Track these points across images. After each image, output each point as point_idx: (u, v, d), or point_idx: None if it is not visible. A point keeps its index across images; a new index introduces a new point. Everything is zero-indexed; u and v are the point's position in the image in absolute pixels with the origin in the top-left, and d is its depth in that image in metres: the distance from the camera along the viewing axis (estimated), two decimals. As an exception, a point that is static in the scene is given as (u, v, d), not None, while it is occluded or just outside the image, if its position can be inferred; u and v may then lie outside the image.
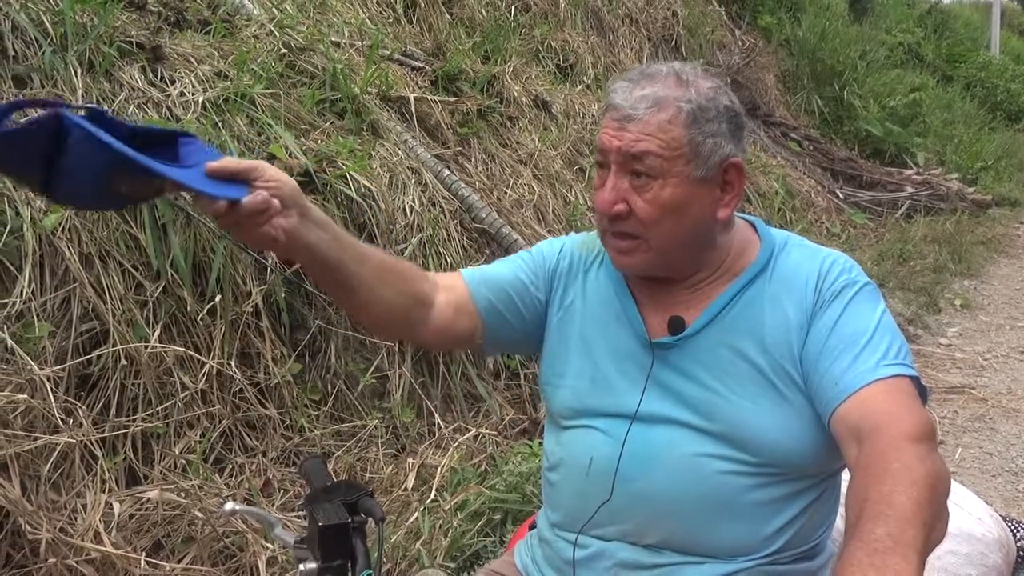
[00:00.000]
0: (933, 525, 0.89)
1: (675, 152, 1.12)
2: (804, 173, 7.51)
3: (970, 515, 1.43)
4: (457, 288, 1.28)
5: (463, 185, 3.65)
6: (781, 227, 5.59)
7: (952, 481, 1.46)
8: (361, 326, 1.79)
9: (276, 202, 1.02)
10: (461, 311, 1.27)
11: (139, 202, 0.99)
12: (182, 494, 2.23)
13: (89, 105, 0.96)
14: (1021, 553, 1.51)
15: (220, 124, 2.84)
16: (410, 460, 2.74)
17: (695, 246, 1.19)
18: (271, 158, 2.87)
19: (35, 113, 0.93)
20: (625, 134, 1.13)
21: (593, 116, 5.17)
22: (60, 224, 2.30)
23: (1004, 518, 1.54)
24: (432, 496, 2.56)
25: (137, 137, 0.95)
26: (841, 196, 7.71)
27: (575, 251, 1.33)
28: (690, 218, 1.15)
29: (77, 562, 1.99)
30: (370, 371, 2.86)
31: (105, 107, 0.97)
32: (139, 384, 2.36)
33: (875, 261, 6.25)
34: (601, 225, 1.19)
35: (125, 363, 2.32)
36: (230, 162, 1.01)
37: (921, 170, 8.47)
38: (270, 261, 2.72)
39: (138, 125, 1.00)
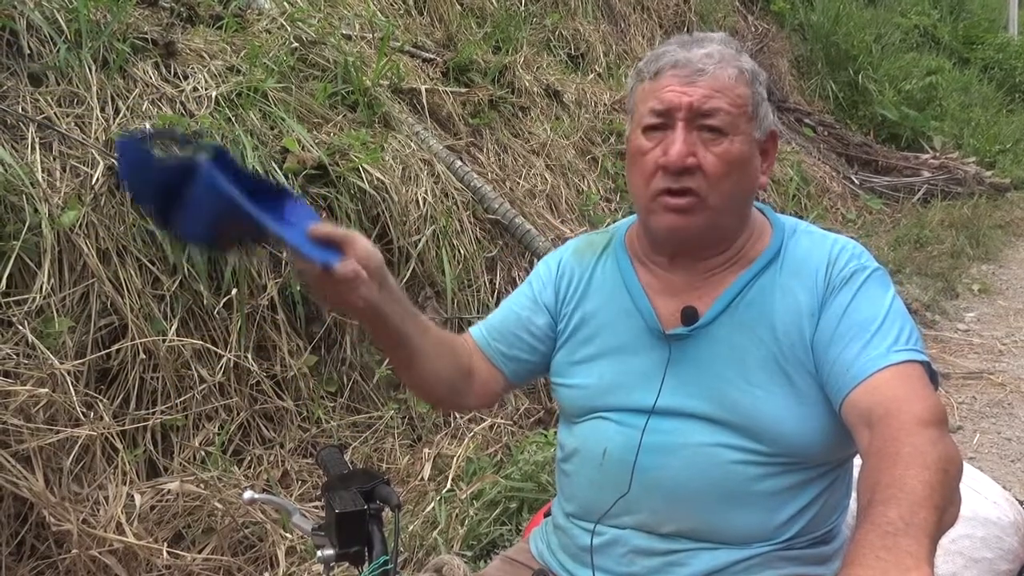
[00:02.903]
0: (945, 508, 0.89)
1: (741, 109, 1.15)
2: (819, 159, 7.46)
3: (986, 499, 1.42)
4: (478, 352, 1.34)
5: (475, 176, 3.66)
6: (796, 214, 5.58)
7: (967, 465, 1.46)
8: (414, 393, 1.92)
9: (364, 273, 1.07)
10: (491, 373, 1.34)
11: (245, 247, 1.09)
12: (202, 485, 2.26)
13: (215, 145, 1.03)
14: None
15: (233, 119, 2.85)
16: (426, 450, 2.76)
17: (741, 213, 1.21)
18: (284, 151, 2.89)
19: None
20: (696, 89, 1.13)
21: (605, 105, 5.16)
22: (78, 221, 2.33)
23: (1021, 502, 1.53)
24: (448, 485, 2.58)
25: (249, 182, 1.02)
26: (856, 182, 7.64)
27: (573, 263, 1.33)
28: (746, 179, 1.17)
29: (100, 553, 2.02)
30: (385, 362, 2.88)
31: (226, 148, 1.08)
32: (158, 377, 2.39)
33: (892, 246, 6.20)
34: (654, 187, 1.15)
35: (144, 357, 2.35)
36: (329, 228, 1.06)
37: (938, 154, 8.37)
38: (284, 255, 2.74)
39: (253, 175, 1.07)
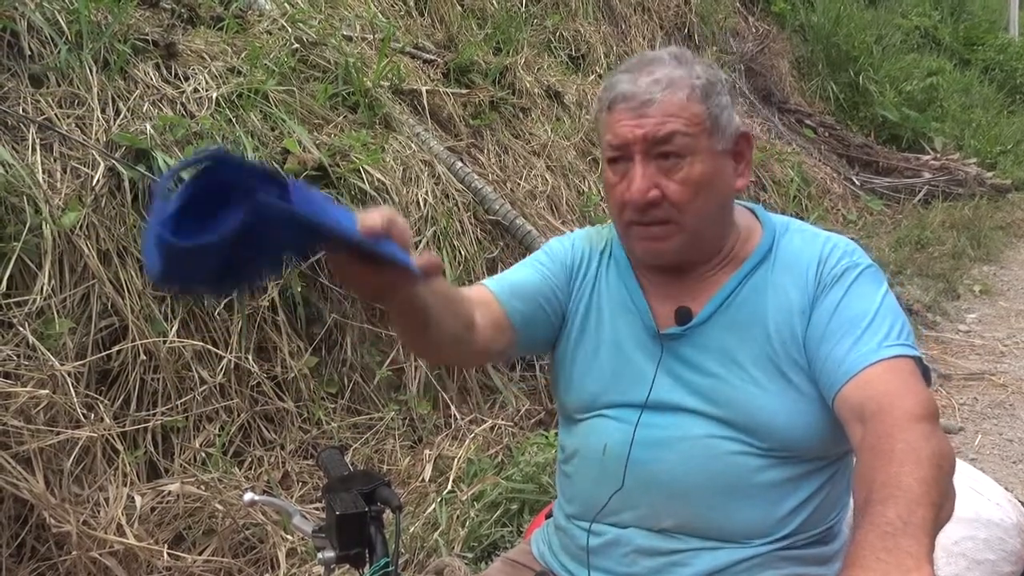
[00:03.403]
0: (941, 504, 0.89)
1: (698, 127, 1.14)
2: (820, 160, 7.45)
3: (988, 500, 1.42)
4: (491, 304, 1.23)
5: (476, 177, 3.65)
6: (797, 215, 5.58)
7: (970, 466, 1.46)
8: (422, 357, 1.80)
9: (439, 260, 0.97)
10: (498, 327, 1.22)
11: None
12: (202, 487, 2.26)
13: (210, 151, 0.83)
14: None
15: (234, 120, 2.85)
16: (427, 452, 2.75)
17: (721, 222, 1.21)
18: (285, 152, 2.89)
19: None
20: (647, 120, 1.13)
21: (606, 106, 5.15)
22: (78, 222, 2.33)
23: (1023, 503, 1.53)
24: (449, 487, 2.57)
25: (254, 175, 0.84)
26: (857, 183, 7.64)
27: (584, 246, 1.33)
28: (717, 192, 1.17)
29: (100, 554, 2.02)
30: (386, 364, 2.88)
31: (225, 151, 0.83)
32: (158, 379, 2.38)
33: (893, 248, 6.19)
34: (625, 218, 1.17)
35: (144, 358, 2.35)
36: (377, 220, 0.88)
37: (939, 155, 8.36)
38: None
39: (252, 164, 0.90)
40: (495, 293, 1.24)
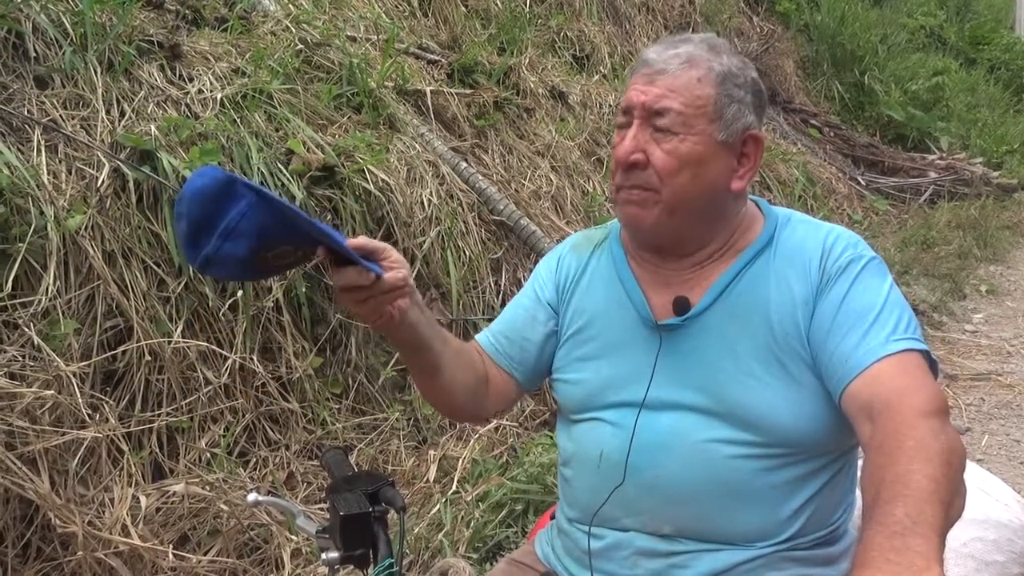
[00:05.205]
0: (951, 502, 0.88)
1: (699, 110, 1.14)
2: (825, 160, 7.44)
3: (997, 501, 1.41)
4: (488, 361, 1.34)
5: (480, 177, 3.65)
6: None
7: (978, 467, 1.45)
8: (437, 408, 1.87)
9: (411, 281, 1.09)
10: (501, 377, 1.34)
11: (277, 272, 1.09)
12: (207, 487, 2.26)
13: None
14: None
15: (238, 121, 2.86)
16: (431, 452, 2.75)
17: (705, 213, 1.19)
18: (289, 153, 2.89)
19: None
20: (652, 89, 1.15)
21: (610, 106, 5.15)
22: (83, 223, 2.33)
23: (1032, 504, 1.52)
24: (454, 488, 2.57)
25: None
26: (863, 183, 7.62)
27: (571, 258, 1.34)
28: (705, 178, 1.15)
29: (106, 555, 2.02)
30: (391, 364, 2.88)
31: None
32: (163, 379, 2.38)
33: (899, 247, 6.17)
34: (617, 180, 1.19)
35: (149, 359, 2.35)
36: (366, 239, 1.06)
37: (944, 155, 8.34)
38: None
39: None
40: (486, 348, 1.35)
